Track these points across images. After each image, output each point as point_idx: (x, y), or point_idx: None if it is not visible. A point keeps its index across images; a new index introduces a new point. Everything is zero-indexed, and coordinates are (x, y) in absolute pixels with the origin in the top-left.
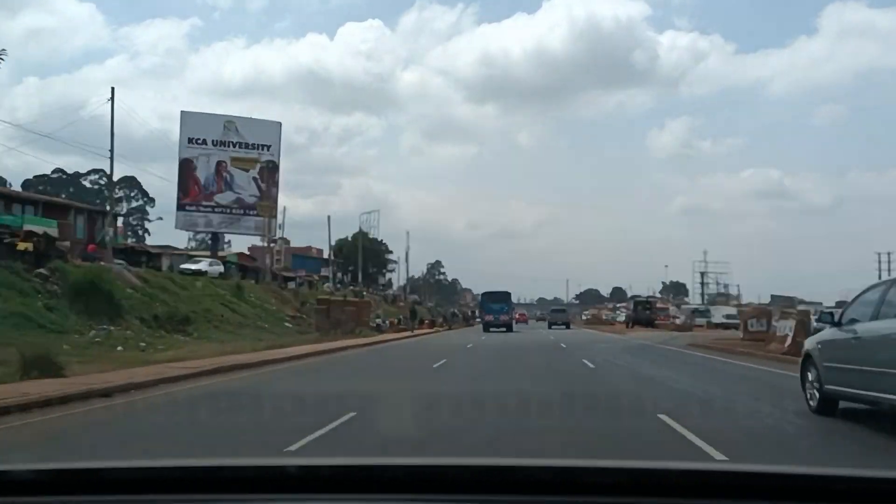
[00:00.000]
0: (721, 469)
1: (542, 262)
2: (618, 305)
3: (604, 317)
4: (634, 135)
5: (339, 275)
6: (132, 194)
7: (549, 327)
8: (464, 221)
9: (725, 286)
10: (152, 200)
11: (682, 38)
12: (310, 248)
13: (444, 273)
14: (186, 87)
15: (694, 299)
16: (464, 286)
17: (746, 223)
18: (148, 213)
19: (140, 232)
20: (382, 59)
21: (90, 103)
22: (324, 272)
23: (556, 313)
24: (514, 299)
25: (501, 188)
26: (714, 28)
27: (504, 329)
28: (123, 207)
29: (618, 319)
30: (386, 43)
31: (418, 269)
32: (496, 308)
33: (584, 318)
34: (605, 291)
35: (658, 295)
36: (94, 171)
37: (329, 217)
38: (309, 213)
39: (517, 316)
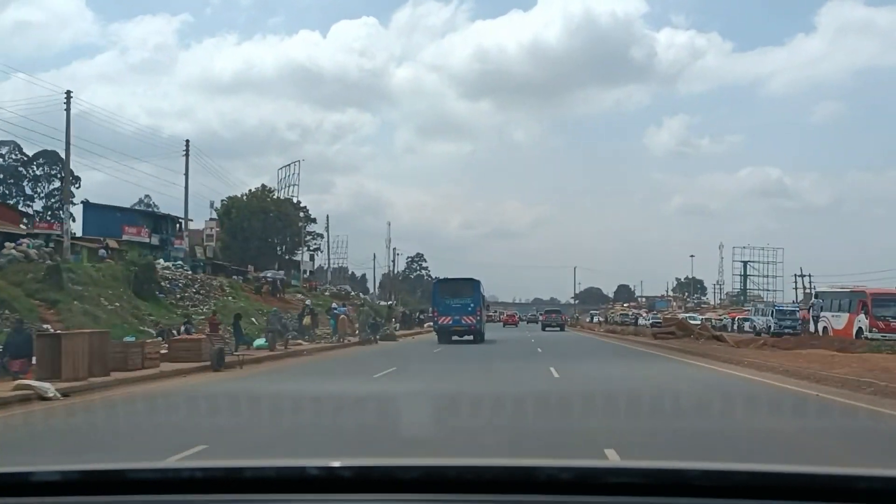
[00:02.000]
0: (741, 469)
1: (540, 262)
2: (626, 305)
3: (707, 322)
4: (632, 132)
5: (197, 251)
6: (53, 172)
7: (543, 329)
8: (458, 220)
9: (803, 279)
10: (78, 180)
11: (680, 36)
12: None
13: (426, 268)
14: (177, 84)
15: (712, 299)
16: None
17: (747, 222)
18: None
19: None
20: (376, 56)
21: (79, 99)
22: (129, 234)
23: (549, 314)
24: (508, 299)
25: (497, 186)
26: (712, 26)
27: (470, 338)
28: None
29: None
30: (379, 39)
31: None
32: (456, 305)
33: (596, 320)
34: (608, 291)
35: (671, 294)
36: (4, 142)
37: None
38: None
39: (504, 318)
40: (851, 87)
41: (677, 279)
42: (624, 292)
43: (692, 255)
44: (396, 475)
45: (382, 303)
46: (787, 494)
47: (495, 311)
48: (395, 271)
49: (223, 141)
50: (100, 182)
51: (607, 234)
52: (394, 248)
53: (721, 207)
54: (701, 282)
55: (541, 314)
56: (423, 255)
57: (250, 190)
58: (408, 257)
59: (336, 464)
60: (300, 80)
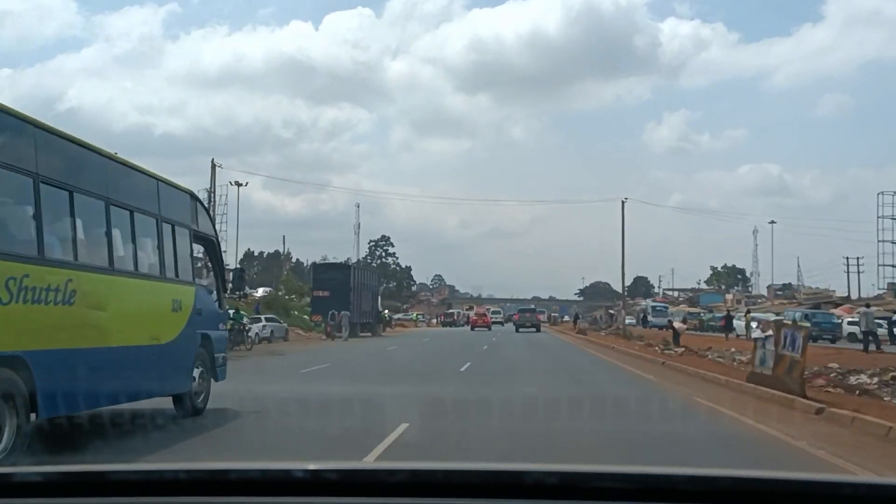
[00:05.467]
0: (726, 474)
1: (540, 259)
2: (653, 304)
3: None
4: (632, 127)
5: None
6: None
7: (517, 330)
8: (456, 219)
9: None
10: None
11: (684, 26)
12: None
13: (393, 254)
14: (167, 77)
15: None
16: (448, 283)
17: (746, 219)
18: None
19: None
20: (370, 48)
21: (66, 95)
22: None
23: (523, 313)
24: (505, 295)
25: (495, 183)
26: (717, 15)
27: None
28: None
29: None
30: (373, 30)
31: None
32: None
33: (670, 325)
34: (619, 286)
35: (704, 285)
36: None
37: None
38: (296, 212)
39: (473, 318)
40: (858, 81)
41: (713, 268)
42: (641, 285)
43: (773, 223)
44: (382, 478)
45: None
46: (772, 500)
47: (469, 308)
48: (360, 256)
49: (216, 138)
50: None
51: (608, 232)
52: (385, 237)
53: (721, 204)
54: (742, 271)
55: (514, 314)
56: (388, 238)
57: None
58: (370, 240)
59: (321, 466)
60: (292, 73)
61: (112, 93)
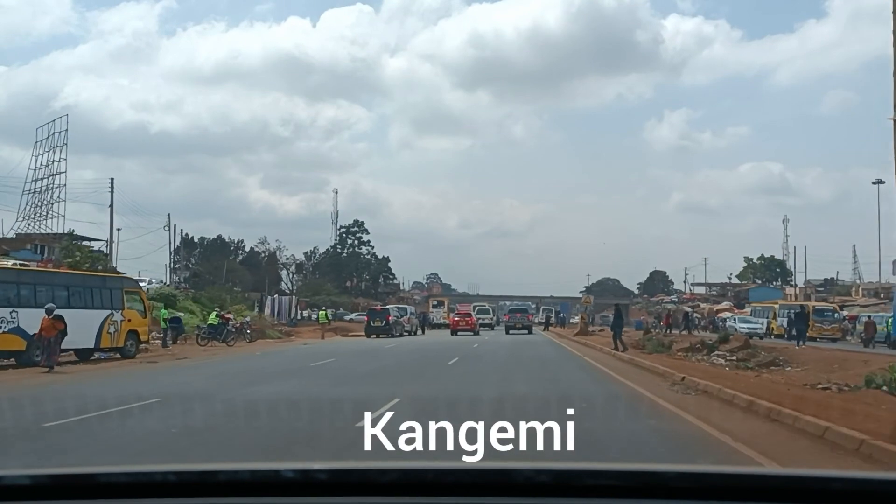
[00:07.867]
0: (716, 471)
1: (543, 259)
2: (676, 301)
3: None
4: (633, 125)
5: None
6: None
7: (507, 332)
8: (456, 219)
9: None
10: None
11: (686, 23)
12: None
13: (367, 243)
14: (162, 74)
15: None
16: (445, 281)
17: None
18: None
19: None
20: (368, 44)
21: (62, 93)
22: None
23: (514, 314)
24: (502, 292)
25: (495, 182)
26: (720, 12)
27: None
28: None
29: None
30: (372, 27)
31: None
32: None
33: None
34: (629, 283)
35: (736, 279)
36: None
37: None
38: (295, 212)
39: (454, 319)
40: (862, 78)
41: (746, 259)
42: (659, 281)
43: (880, 183)
44: (373, 478)
45: None
46: (762, 496)
47: (436, 305)
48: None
49: (213, 136)
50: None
51: (610, 231)
52: (358, 222)
53: (720, 205)
54: (782, 262)
55: (504, 314)
56: (362, 224)
57: None
58: (341, 227)
59: (312, 466)
60: (290, 70)
61: (108, 90)
